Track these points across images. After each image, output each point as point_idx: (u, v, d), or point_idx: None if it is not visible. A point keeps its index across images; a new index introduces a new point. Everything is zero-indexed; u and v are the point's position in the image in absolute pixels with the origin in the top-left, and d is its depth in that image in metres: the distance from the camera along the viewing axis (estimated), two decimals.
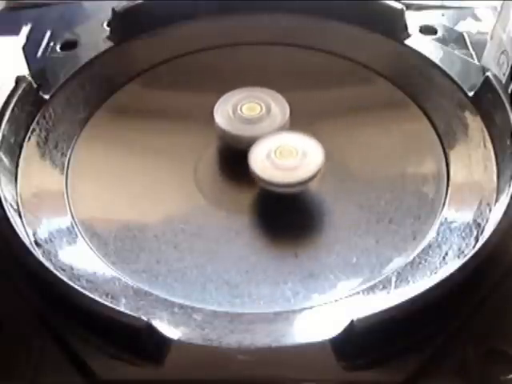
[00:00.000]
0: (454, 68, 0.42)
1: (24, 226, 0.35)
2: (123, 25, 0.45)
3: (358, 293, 0.34)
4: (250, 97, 0.41)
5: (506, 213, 0.33)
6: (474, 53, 0.44)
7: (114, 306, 0.30)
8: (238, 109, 0.40)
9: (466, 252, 0.34)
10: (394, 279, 0.34)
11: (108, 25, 0.46)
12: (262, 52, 0.46)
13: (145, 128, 0.42)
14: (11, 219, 0.34)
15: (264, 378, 0.30)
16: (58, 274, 0.32)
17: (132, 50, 0.45)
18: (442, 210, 0.37)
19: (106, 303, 0.30)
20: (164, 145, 0.42)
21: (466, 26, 0.49)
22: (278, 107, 0.40)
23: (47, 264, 0.32)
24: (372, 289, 0.34)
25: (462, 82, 0.41)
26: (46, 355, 0.31)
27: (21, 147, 0.39)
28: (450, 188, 0.38)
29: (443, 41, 0.45)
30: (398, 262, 0.35)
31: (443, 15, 0.51)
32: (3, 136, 0.37)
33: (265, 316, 0.33)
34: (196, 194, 0.39)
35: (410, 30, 0.44)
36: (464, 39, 0.46)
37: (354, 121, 0.43)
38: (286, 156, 0.38)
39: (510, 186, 0.35)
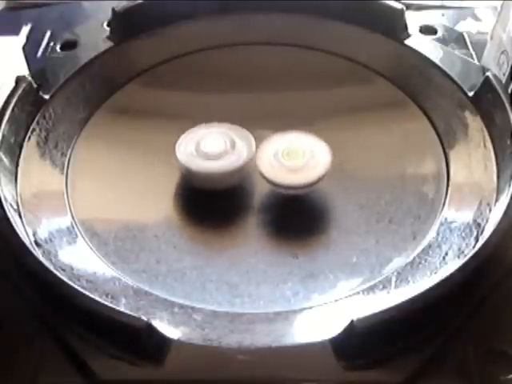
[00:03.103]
0: (454, 68, 0.42)
1: (24, 226, 0.35)
2: (123, 25, 0.45)
3: (358, 293, 0.34)
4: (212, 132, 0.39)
5: (505, 213, 0.33)
6: (473, 53, 0.44)
7: (114, 306, 0.30)
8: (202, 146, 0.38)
9: (466, 252, 0.34)
10: (393, 279, 0.34)
11: (108, 25, 0.46)
12: (261, 52, 0.46)
13: (145, 128, 0.42)
14: (11, 219, 0.34)
15: (264, 378, 0.30)
16: (58, 274, 0.32)
17: (132, 50, 0.45)
18: (442, 210, 0.37)
19: (106, 303, 0.30)
20: (164, 145, 0.42)
21: (466, 26, 0.49)
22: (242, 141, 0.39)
23: (47, 264, 0.32)
24: (372, 289, 0.34)
25: (461, 81, 0.41)
26: (46, 355, 0.31)
27: (21, 147, 0.39)
28: (450, 188, 0.38)
29: (443, 41, 0.45)
30: (398, 261, 0.35)
31: (443, 15, 0.51)
32: (3, 136, 0.37)
33: (265, 316, 0.33)
34: (196, 194, 0.39)
35: (410, 30, 0.44)
36: (464, 39, 0.46)
37: (354, 121, 0.43)
38: (294, 157, 0.37)
39: (510, 185, 0.35)
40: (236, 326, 0.32)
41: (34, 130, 0.39)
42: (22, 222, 0.35)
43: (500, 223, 0.33)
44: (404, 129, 0.42)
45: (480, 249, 0.32)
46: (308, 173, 0.37)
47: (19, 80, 0.40)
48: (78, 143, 0.41)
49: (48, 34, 0.48)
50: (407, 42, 0.44)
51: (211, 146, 0.38)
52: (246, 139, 0.39)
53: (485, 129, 0.39)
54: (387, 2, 0.44)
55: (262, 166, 0.37)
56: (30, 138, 0.39)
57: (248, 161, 0.38)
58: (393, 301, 0.30)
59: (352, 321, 0.29)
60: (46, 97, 0.41)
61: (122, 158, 0.41)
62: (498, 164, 0.37)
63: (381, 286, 0.34)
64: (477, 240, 0.34)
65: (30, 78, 0.40)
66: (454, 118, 0.40)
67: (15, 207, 0.36)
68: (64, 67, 0.43)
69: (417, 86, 0.43)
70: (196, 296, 0.34)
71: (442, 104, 0.41)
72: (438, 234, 0.36)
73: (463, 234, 0.35)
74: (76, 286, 0.31)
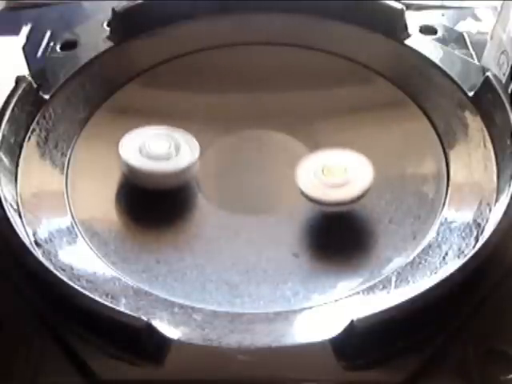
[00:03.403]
0: (454, 68, 0.42)
1: (24, 226, 0.35)
2: (123, 25, 0.45)
3: (358, 293, 0.34)
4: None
5: (505, 213, 0.33)
6: (473, 53, 0.44)
7: (114, 306, 0.30)
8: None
9: (466, 252, 0.34)
10: (393, 279, 0.34)
11: (108, 25, 0.45)
12: (261, 52, 0.46)
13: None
14: (11, 219, 0.34)
15: (264, 378, 0.30)
16: (58, 274, 0.32)
17: (132, 50, 0.45)
18: (442, 210, 0.37)
19: (106, 303, 0.30)
20: None
21: (466, 26, 0.49)
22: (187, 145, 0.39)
23: (47, 264, 0.32)
24: (372, 289, 0.34)
25: (461, 82, 0.41)
26: (46, 355, 0.31)
27: (21, 147, 0.39)
28: (450, 188, 0.38)
29: (443, 41, 0.45)
30: (398, 261, 0.35)
31: (443, 15, 0.51)
32: (3, 136, 0.37)
33: (265, 316, 0.33)
34: (196, 194, 0.39)
35: (410, 30, 0.44)
36: (464, 39, 0.46)
37: (354, 121, 0.43)
38: (335, 174, 0.37)
39: (510, 185, 0.35)
40: (236, 326, 0.32)
41: (34, 130, 0.39)
42: (22, 222, 0.35)
43: (500, 223, 0.33)
44: (404, 129, 0.42)
45: (480, 249, 0.32)
46: (350, 188, 0.36)
47: (19, 80, 0.40)
48: (78, 143, 0.41)
49: (48, 34, 0.48)
50: (407, 42, 0.44)
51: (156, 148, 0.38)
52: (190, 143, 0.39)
53: (485, 129, 0.39)
54: (387, 2, 0.44)
55: (302, 183, 0.37)
56: (30, 138, 0.39)
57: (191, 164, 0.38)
58: (393, 301, 0.30)
59: (352, 321, 0.29)
60: (46, 97, 0.41)
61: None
62: (498, 164, 0.37)
63: (381, 286, 0.34)
64: (477, 240, 0.34)
65: (29, 78, 0.40)
66: (454, 118, 0.40)
67: (15, 207, 0.36)
68: (64, 67, 0.43)
69: (417, 86, 0.43)
70: (196, 296, 0.34)
71: (441, 104, 0.41)
72: (438, 234, 0.36)
73: (463, 234, 0.35)
74: (76, 286, 0.31)
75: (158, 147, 0.38)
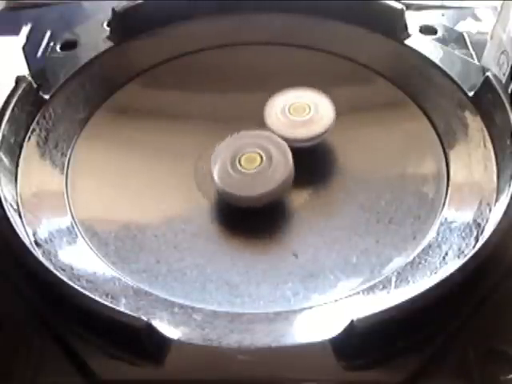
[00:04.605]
0: (454, 68, 0.42)
1: (24, 226, 0.35)
2: (123, 25, 0.45)
3: (358, 293, 0.34)
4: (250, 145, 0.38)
5: (505, 213, 0.33)
6: (473, 53, 0.44)
7: (114, 306, 0.30)
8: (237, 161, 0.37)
9: (466, 252, 0.34)
10: (394, 279, 0.34)
11: (108, 25, 0.46)
12: (261, 52, 0.46)
13: (145, 128, 0.42)
14: (11, 219, 0.34)
15: (264, 378, 0.30)
16: (58, 274, 0.32)
17: (132, 50, 0.45)
18: (442, 210, 0.37)
19: (106, 303, 0.30)
20: (164, 144, 0.42)
21: (466, 26, 0.49)
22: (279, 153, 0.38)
23: (47, 264, 0.32)
24: (372, 289, 0.34)
25: (462, 82, 0.41)
26: (46, 355, 0.31)
27: (21, 147, 0.39)
28: (450, 188, 0.38)
29: (443, 41, 0.45)
30: (398, 261, 0.35)
31: (443, 15, 0.51)
32: (3, 136, 0.37)
33: (265, 316, 0.33)
34: (196, 194, 0.39)
35: (410, 30, 0.44)
36: (464, 39, 0.46)
37: (354, 121, 0.43)
38: (300, 112, 0.40)
39: (510, 185, 0.35)
40: (236, 326, 0.32)
41: (34, 130, 0.39)
42: (22, 222, 0.35)
43: (500, 223, 0.33)
44: (404, 129, 0.42)
45: (480, 249, 0.32)
46: (313, 126, 0.39)
47: (19, 80, 0.40)
48: (78, 143, 0.41)
49: (48, 34, 0.48)
50: (407, 42, 0.44)
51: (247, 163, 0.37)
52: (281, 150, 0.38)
53: (485, 129, 0.39)
54: (387, 2, 0.44)
55: (271, 121, 0.39)
56: (30, 138, 0.39)
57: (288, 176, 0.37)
58: (393, 301, 0.30)
59: (352, 321, 0.29)
60: (46, 97, 0.41)
61: (121, 158, 0.41)
62: (498, 164, 0.37)
63: (381, 286, 0.34)
64: (477, 240, 0.34)
65: (29, 78, 0.40)
66: (454, 118, 0.40)
67: (15, 207, 0.36)
68: (64, 67, 0.43)
69: (417, 86, 0.43)
70: (196, 296, 0.34)
71: (442, 104, 0.41)
72: (438, 234, 0.36)
73: (463, 234, 0.35)
74: (76, 286, 0.31)
75: (250, 162, 0.37)
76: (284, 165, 0.37)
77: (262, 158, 0.37)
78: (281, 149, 0.38)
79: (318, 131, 0.39)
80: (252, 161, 0.37)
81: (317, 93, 0.41)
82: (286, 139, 0.39)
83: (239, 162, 0.37)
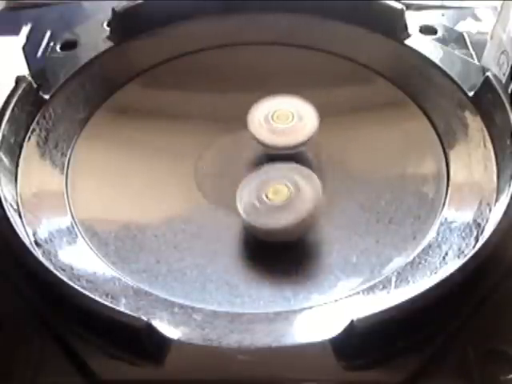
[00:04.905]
0: (454, 68, 0.42)
1: (24, 226, 0.35)
2: (123, 25, 0.45)
3: (358, 293, 0.34)
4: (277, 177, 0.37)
5: (505, 213, 0.33)
6: (473, 53, 0.44)
7: (114, 306, 0.30)
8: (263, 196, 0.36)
9: (466, 252, 0.34)
10: (394, 279, 0.34)
11: (108, 25, 0.45)
12: (261, 52, 0.46)
13: (145, 128, 0.42)
14: (11, 219, 0.34)
15: (264, 378, 0.30)
16: (58, 274, 0.32)
17: (132, 50, 0.45)
18: (442, 210, 0.37)
19: (106, 303, 0.30)
20: (164, 144, 0.42)
21: (466, 26, 0.49)
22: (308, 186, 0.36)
23: (47, 264, 0.32)
24: (372, 289, 0.34)
25: (462, 82, 0.41)
26: (46, 355, 0.31)
27: (21, 147, 0.39)
28: (450, 188, 0.38)
29: (443, 41, 0.45)
30: (398, 261, 0.35)
31: (443, 15, 0.51)
32: (3, 136, 0.37)
33: (265, 316, 0.33)
34: (196, 194, 0.39)
35: (410, 30, 0.44)
36: (464, 39, 0.46)
37: (354, 121, 0.43)
38: (283, 119, 0.39)
39: (510, 185, 0.35)
40: (236, 326, 0.32)
41: (34, 130, 0.39)
42: (22, 222, 0.35)
43: (500, 223, 0.33)
44: (404, 129, 0.42)
45: (480, 249, 0.32)
46: (296, 135, 0.39)
47: (19, 80, 0.40)
48: (78, 143, 0.41)
49: (48, 34, 0.48)
50: (407, 42, 0.44)
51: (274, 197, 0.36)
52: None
53: (485, 129, 0.39)
54: (387, 2, 0.44)
55: (254, 128, 0.39)
56: (30, 138, 0.39)
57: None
58: (393, 301, 0.30)
59: (352, 321, 0.29)
60: (46, 97, 0.41)
61: (122, 158, 0.41)
62: (498, 164, 0.37)
63: (381, 286, 0.34)
64: (477, 240, 0.34)
65: (29, 78, 0.40)
66: (454, 118, 0.40)
67: (15, 207, 0.36)
68: (64, 67, 0.43)
69: (417, 86, 0.43)
70: (196, 296, 0.34)
71: (441, 104, 0.41)
72: (438, 234, 0.36)
73: (463, 234, 0.35)
74: (76, 286, 0.31)
75: (276, 196, 0.36)
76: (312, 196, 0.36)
77: (289, 189, 0.36)
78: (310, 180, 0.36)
79: (301, 140, 0.39)
80: (279, 192, 0.36)
81: (301, 100, 0.40)
82: (267, 146, 0.39)
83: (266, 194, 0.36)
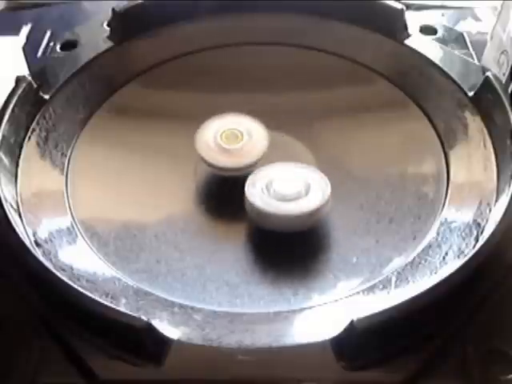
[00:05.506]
0: (454, 68, 0.42)
1: (24, 226, 0.35)
2: (123, 25, 0.45)
3: (358, 293, 0.34)
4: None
5: (505, 213, 0.33)
6: (473, 53, 0.44)
7: (114, 306, 0.30)
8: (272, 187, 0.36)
9: (466, 252, 0.34)
10: (394, 279, 0.34)
11: (108, 25, 0.45)
12: (261, 52, 0.46)
13: (145, 128, 0.42)
14: (11, 219, 0.34)
15: (264, 378, 0.30)
16: (58, 273, 0.32)
17: (132, 50, 0.45)
18: (442, 210, 0.37)
19: (106, 303, 0.30)
20: (164, 144, 0.42)
21: (466, 26, 0.49)
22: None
23: (47, 264, 0.32)
24: (372, 289, 0.34)
25: (461, 82, 0.41)
26: (46, 355, 0.31)
27: (21, 147, 0.39)
28: (449, 188, 0.38)
29: (443, 41, 0.45)
30: (398, 261, 0.35)
31: (443, 15, 0.51)
32: (3, 136, 0.37)
33: (265, 316, 0.33)
34: (196, 194, 0.39)
35: (410, 30, 0.44)
36: (464, 39, 0.46)
37: (354, 121, 0.43)
38: (232, 139, 0.38)
39: (509, 185, 0.35)
40: (236, 326, 0.32)
41: (33, 130, 0.39)
42: (22, 222, 0.35)
43: (500, 223, 0.33)
44: (404, 129, 0.42)
45: (480, 249, 0.32)
46: (244, 155, 0.38)
47: (19, 80, 0.40)
48: (78, 143, 0.41)
49: (48, 34, 0.48)
50: (407, 41, 0.44)
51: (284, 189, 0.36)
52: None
53: (485, 129, 0.39)
54: (387, 2, 0.44)
55: (201, 148, 0.38)
56: (30, 138, 0.39)
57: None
58: (393, 301, 0.30)
59: (352, 321, 0.29)
60: (46, 97, 0.41)
61: (122, 158, 0.41)
62: (497, 164, 0.37)
63: (381, 286, 0.34)
64: (477, 240, 0.34)
65: (29, 78, 0.40)
66: (453, 118, 0.40)
67: (15, 207, 0.36)
68: (64, 67, 0.43)
69: (417, 86, 0.43)
70: (196, 296, 0.34)
71: (442, 104, 0.41)
72: (437, 234, 0.36)
73: (463, 234, 0.35)
74: (76, 286, 0.31)
75: (287, 188, 0.36)
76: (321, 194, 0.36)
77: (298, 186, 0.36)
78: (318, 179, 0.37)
79: (247, 162, 0.38)
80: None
81: (252, 120, 0.39)
82: (214, 167, 0.38)
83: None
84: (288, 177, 0.37)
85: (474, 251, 0.32)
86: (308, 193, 0.36)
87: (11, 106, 0.38)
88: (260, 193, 0.36)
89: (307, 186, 0.36)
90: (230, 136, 0.39)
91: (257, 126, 0.39)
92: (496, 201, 0.35)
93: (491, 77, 0.39)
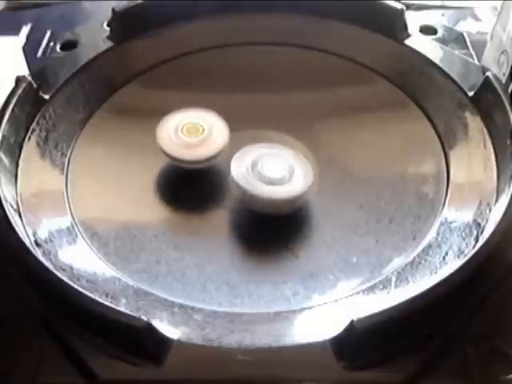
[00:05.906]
0: (454, 68, 0.42)
1: (24, 226, 0.35)
2: (123, 25, 0.45)
3: (358, 293, 0.34)
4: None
5: (505, 213, 0.33)
6: (473, 53, 0.44)
7: (114, 306, 0.30)
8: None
9: (466, 252, 0.34)
10: (394, 279, 0.34)
11: (108, 25, 0.45)
12: (261, 52, 0.46)
13: (145, 128, 0.42)
14: (11, 219, 0.34)
15: (264, 378, 0.30)
16: (58, 273, 0.32)
17: (132, 50, 0.45)
18: (442, 210, 0.37)
19: (105, 303, 0.30)
20: None
21: (466, 26, 0.49)
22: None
23: (47, 264, 0.32)
24: (372, 289, 0.34)
25: (461, 82, 0.41)
26: (46, 355, 0.31)
27: (21, 147, 0.39)
28: (449, 188, 0.38)
29: (443, 41, 0.45)
30: (398, 261, 0.35)
31: (443, 15, 0.51)
32: (3, 136, 0.37)
33: (265, 316, 0.33)
34: (198, 194, 0.39)
35: (410, 30, 0.44)
36: (464, 39, 0.46)
37: (354, 121, 0.43)
38: (193, 133, 0.39)
39: (509, 185, 0.35)
40: (236, 326, 0.32)
41: (33, 130, 0.39)
42: (22, 222, 0.35)
43: (500, 223, 0.33)
44: (404, 129, 0.42)
45: (480, 249, 0.32)
46: (204, 149, 0.38)
47: (19, 80, 0.40)
48: (78, 143, 0.41)
49: (48, 34, 0.48)
50: (407, 41, 0.44)
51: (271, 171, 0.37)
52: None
53: (485, 129, 0.39)
54: (387, 2, 0.44)
55: (161, 139, 0.39)
56: (30, 138, 0.39)
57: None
58: (393, 301, 0.30)
59: (352, 321, 0.29)
60: (46, 97, 0.41)
61: (122, 158, 0.41)
62: (497, 164, 0.37)
63: (381, 286, 0.34)
64: (477, 240, 0.34)
65: (29, 78, 0.40)
66: (454, 118, 0.40)
67: (15, 207, 0.36)
68: (64, 67, 0.43)
69: (417, 86, 0.43)
70: (196, 296, 0.34)
71: (442, 104, 0.41)
72: (437, 234, 0.36)
73: (463, 234, 0.35)
74: (76, 286, 0.31)
75: (272, 170, 0.37)
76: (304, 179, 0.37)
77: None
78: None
79: (208, 154, 0.38)
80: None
81: (213, 115, 0.40)
82: (175, 160, 0.39)
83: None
84: (273, 159, 0.38)
85: (473, 251, 0.32)
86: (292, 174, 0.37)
87: (11, 106, 0.38)
88: (245, 173, 0.37)
89: (291, 168, 0.37)
90: (191, 129, 0.39)
91: (218, 121, 0.40)
92: (496, 201, 0.35)
93: (491, 77, 0.39)
